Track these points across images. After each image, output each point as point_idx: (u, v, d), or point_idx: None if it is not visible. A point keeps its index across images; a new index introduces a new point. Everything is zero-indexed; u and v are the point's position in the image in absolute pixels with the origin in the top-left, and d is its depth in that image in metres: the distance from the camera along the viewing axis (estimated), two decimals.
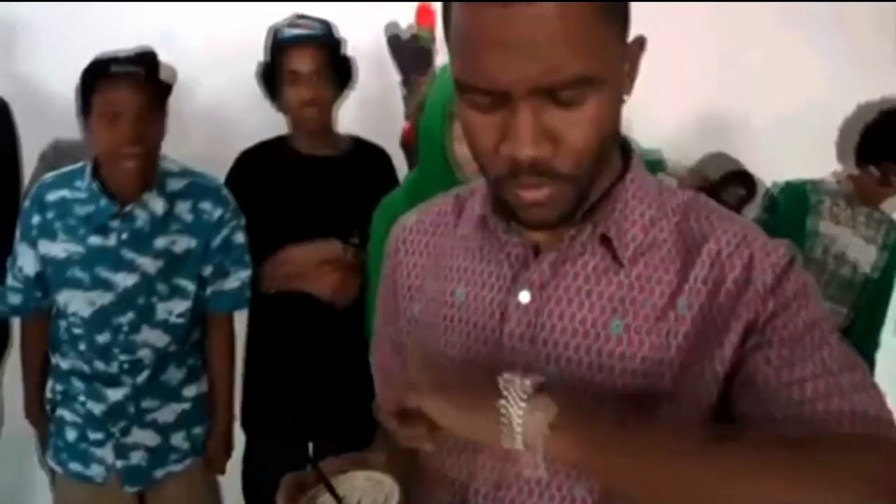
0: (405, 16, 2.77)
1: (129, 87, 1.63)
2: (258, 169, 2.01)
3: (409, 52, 2.70)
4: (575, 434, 0.68)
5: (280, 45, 1.93)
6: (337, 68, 1.97)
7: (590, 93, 0.68)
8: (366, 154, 2.10)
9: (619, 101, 0.74)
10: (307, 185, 1.98)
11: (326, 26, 1.97)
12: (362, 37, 2.34)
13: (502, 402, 0.69)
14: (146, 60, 1.68)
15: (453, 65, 0.72)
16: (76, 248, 1.71)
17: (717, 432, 0.74)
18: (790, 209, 2.29)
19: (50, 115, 2.32)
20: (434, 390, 0.73)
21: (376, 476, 0.84)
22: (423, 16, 2.75)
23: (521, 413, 0.68)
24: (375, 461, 0.88)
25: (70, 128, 2.18)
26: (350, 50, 2.03)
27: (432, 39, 2.72)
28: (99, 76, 1.65)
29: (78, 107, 1.69)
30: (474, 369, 0.83)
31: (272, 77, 1.96)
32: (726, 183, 2.45)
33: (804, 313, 0.75)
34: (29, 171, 2.22)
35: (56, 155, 2.20)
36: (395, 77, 2.68)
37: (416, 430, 0.74)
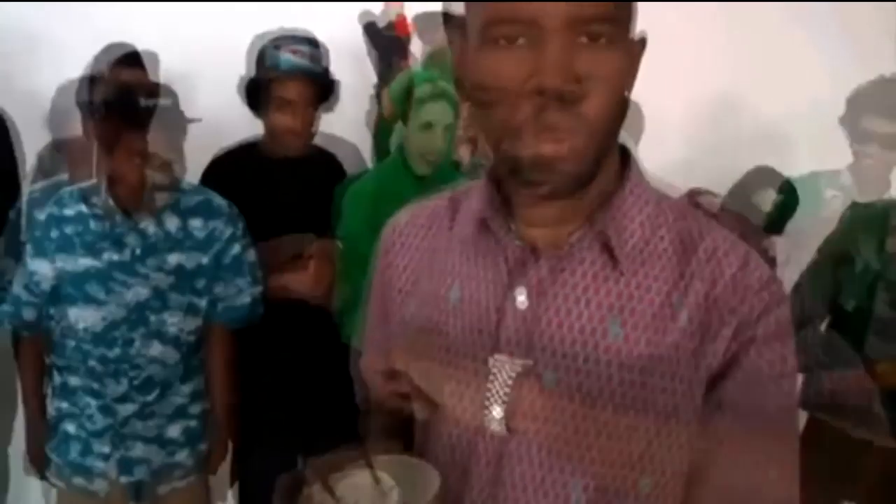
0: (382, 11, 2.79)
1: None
2: (230, 174, 2.02)
3: (384, 41, 2.72)
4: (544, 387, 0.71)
5: (270, 71, 1.94)
6: (322, 92, 1.99)
7: (613, 41, 0.69)
8: (321, 155, 2.13)
9: (630, 76, 0.75)
10: (278, 186, 2.01)
11: (316, 48, 1.97)
12: (339, 30, 2.34)
13: (490, 377, 0.71)
14: (170, 93, 1.73)
15: (477, 11, 0.72)
16: (92, 263, 1.72)
17: None
18: (868, 231, 2.07)
19: (51, 124, 2.32)
20: (424, 355, 0.73)
21: (410, 460, 0.82)
22: (401, 28, 2.77)
23: (506, 390, 0.70)
24: (373, 458, 0.86)
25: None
26: (327, 42, 2.04)
27: (407, 40, 2.74)
28: (127, 113, 1.64)
29: (99, 140, 1.68)
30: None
31: (256, 90, 1.97)
32: (754, 184, 2.21)
33: (773, 356, 0.77)
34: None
35: (52, 154, 2.19)
36: (371, 70, 2.69)
37: (399, 386, 0.74)
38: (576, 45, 0.68)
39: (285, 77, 1.92)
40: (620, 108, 0.73)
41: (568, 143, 0.70)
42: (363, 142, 2.24)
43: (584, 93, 0.69)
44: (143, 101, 1.61)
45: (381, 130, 2.46)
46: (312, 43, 1.97)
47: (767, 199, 2.16)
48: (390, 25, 2.75)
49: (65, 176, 1.88)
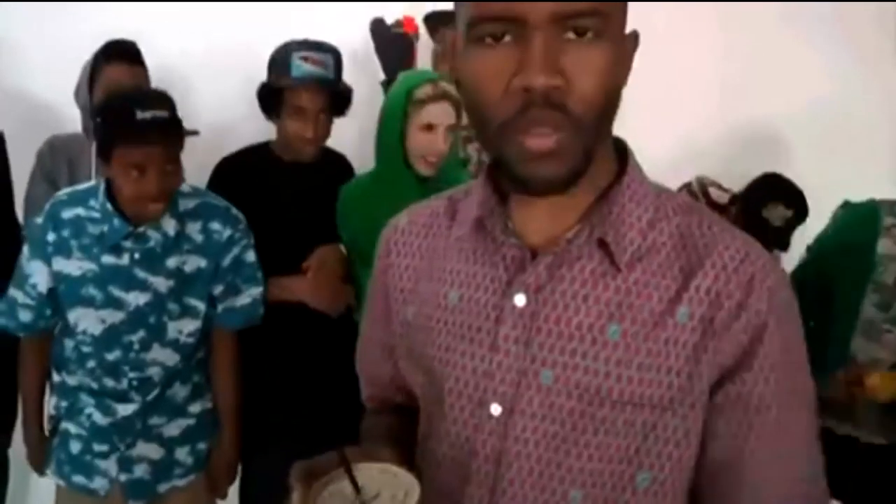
0: (393, 15, 2.77)
1: (156, 139, 1.59)
2: (239, 175, 2.02)
3: (391, 39, 2.68)
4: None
5: (283, 78, 1.92)
6: (336, 100, 1.98)
7: (600, 35, 0.69)
8: (333, 160, 2.13)
9: (621, 69, 0.74)
10: (289, 190, 2.00)
11: (335, 59, 1.96)
12: (350, 35, 2.34)
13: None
14: (167, 102, 1.64)
15: (464, 10, 0.72)
16: (90, 266, 1.70)
17: None
18: (858, 230, 2.10)
19: (39, 125, 2.31)
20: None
21: (392, 469, 0.82)
22: (409, 25, 2.76)
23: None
24: (386, 454, 0.85)
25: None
26: (337, 46, 2.02)
27: (415, 37, 2.72)
28: (123, 125, 1.59)
29: (96, 149, 1.65)
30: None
31: (271, 95, 1.96)
32: (766, 197, 2.17)
33: (786, 341, 0.77)
34: (25, 175, 2.18)
35: (52, 152, 2.17)
36: (381, 76, 2.68)
37: None
38: (561, 40, 0.69)
39: (297, 85, 1.90)
40: (610, 101, 0.73)
41: (554, 138, 0.70)
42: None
43: (571, 88, 0.69)
44: (139, 115, 1.57)
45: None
46: (326, 49, 1.94)
47: (777, 215, 2.14)
48: (398, 23, 2.72)
49: (93, 182, 1.85)
